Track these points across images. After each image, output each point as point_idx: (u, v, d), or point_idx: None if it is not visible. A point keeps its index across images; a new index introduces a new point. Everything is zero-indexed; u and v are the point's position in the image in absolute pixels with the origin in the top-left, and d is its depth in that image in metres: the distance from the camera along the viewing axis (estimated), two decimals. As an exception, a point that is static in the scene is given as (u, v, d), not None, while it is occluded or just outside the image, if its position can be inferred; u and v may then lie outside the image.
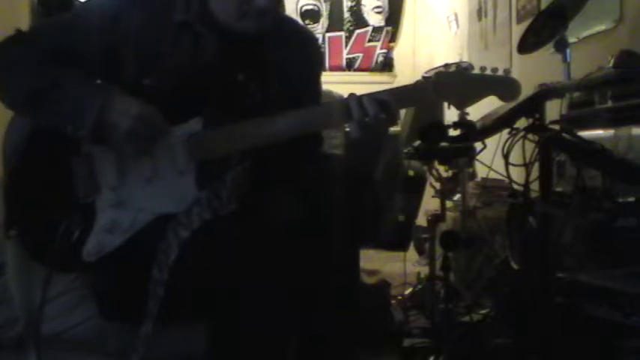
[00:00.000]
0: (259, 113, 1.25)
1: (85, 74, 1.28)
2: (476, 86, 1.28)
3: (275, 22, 1.32)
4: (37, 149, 1.26)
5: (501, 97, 1.32)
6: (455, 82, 1.27)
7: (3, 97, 1.26)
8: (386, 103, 1.21)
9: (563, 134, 1.88)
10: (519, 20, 3.59)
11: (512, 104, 1.77)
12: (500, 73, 1.28)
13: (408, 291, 2.89)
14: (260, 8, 1.24)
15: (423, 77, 3.12)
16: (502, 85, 1.29)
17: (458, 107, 1.34)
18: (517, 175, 1.93)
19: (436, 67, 3.29)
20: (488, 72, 1.28)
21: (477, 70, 1.28)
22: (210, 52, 1.28)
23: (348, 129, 1.25)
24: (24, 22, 3.10)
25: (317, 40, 1.50)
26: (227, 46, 1.28)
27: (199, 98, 1.26)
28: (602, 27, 2.64)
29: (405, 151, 2.36)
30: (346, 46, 5.29)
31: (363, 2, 5.30)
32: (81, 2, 1.38)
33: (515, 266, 2.26)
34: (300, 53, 1.38)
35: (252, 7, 1.24)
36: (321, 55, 1.47)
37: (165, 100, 1.24)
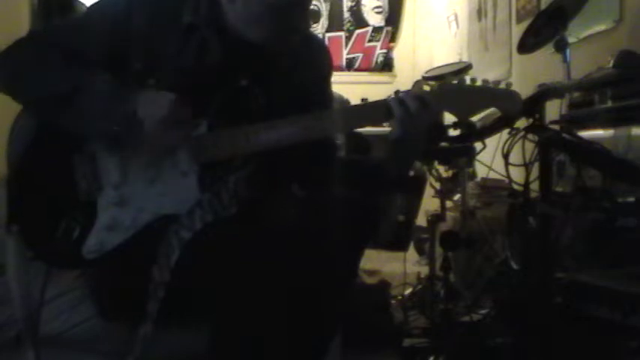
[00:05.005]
0: (264, 118, 1.25)
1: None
2: (478, 98, 1.29)
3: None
4: (42, 146, 1.27)
5: (504, 110, 1.33)
6: (458, 94, 1.28)
7: (22, 97, 1.27)
8: (424, 99, 1.24)
9: (563, 134, 1.88)
10: (519, 20, 3.59)
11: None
12: (502, 86, 1.29)
13: (408, 291, 2.89)
14: (295, 28, 1.28)
15: (423, 77, 3.13)
16: (504, 98, 1.29)
17: (460, 118, 1.35)
18: (517, 175, 1.93)
19: (436, 67, 3.30)
20: (490, 85, 1.29)
21: (479, 83, 1.29)
22: (214, 56, 1.28)
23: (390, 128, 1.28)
24: (24, 22, 3.10)
25: (326, 46, 1.51)
26: (233, 51, 1.29)
27: (203, 101, 1.26)
28: (602, 27, 2.64)
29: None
30: (346, 46, 5.30)
31: (363, 2, 5.30)
32: (90, 2, 1.37)
33: (515, 266, 2.26)
34: (308, 59, 1.39)
35: (287, 27, 1.27)
36: (330, 61, 1.47)
37: None
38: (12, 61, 1.29)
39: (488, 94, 1.29)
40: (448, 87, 1.29)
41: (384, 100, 1.27)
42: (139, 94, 1.20)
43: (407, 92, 1.27)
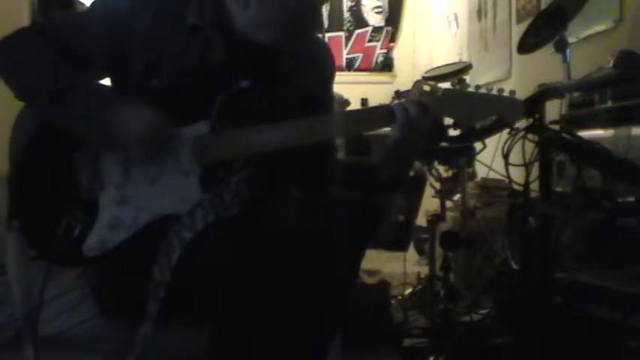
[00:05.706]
0: (267, 120, 1.26)
1: (97, 80, 1.31)
2: (480, 105, 1.28)
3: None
4: (44, 143, 1.27)
5: (505, 118, 1.33)
6: (459, 100, 1.28)
7: (15, 88, 1.27)
8: (425, 105, 1.25)
9: (563, 134, 1.88)
10: (519, 20, 3.59)
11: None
12: (505, 94, 1.29)
13: (408, 291, 2.89)
14: (306, 31, 1.30)
15: (423, 77, 3.14)
16: (506, 105, 1.29)
17: (462, 124, 1.35)
18: (517, 175, 1.93)
19: (436, 67, 3.30)
20: (494, 92, 1.29)
21: (483, 90, 1.29)
22: (217, 57, 1.28)
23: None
24: (24, 22, 3.10)
25: (328, 47, 1.52)
26: (236, 52, 1.29)
27: (206, 102, 1.26)
28: (602, 27, 2.64)
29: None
30: (346, 46, 5.30)
31: (363, 2, 5.30)
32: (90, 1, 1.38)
33: (515, 266, 2.26)
34: (311, 61, 1.39)
35: (299, 30, 1.28)
36: (333, 63, 1.48)
37: (172, 101, 1.25)
38: (11, 51, 1.29)
39: (490, 101, 1.28)
40: (450, 93, 1.28)
41: (388, 105, 1.28)
42: (123, 106, 1.21)
43: (407, 92, 1.27)
